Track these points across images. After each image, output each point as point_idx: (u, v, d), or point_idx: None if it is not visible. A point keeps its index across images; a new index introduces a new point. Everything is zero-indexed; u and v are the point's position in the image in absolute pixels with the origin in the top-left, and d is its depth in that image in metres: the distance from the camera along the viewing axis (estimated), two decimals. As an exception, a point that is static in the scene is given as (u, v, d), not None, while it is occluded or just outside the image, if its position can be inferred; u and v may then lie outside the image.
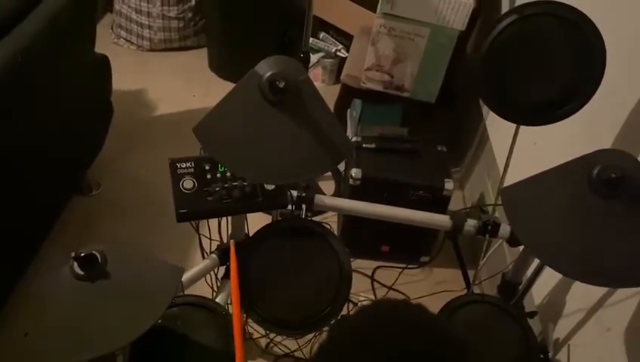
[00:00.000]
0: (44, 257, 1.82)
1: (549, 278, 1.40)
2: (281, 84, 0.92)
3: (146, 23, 2.83)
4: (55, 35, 1.61)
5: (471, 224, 1.26)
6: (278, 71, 0.94)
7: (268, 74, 0.93)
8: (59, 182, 1.94)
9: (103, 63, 2.09)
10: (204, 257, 1.36)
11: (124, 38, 2.93)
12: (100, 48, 2.01)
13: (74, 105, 1.88)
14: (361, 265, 1.98)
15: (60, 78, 1.73)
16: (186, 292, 1.22)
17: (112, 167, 2.26)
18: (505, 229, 1.26)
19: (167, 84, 2.74)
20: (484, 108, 2.18)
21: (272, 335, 1.70)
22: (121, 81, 2.28)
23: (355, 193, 1.81)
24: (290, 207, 1.24)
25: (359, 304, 1.83)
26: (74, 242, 1.73)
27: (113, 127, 2.20)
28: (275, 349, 1.71)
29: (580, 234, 0.91)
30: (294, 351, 1.69)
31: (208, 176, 1.10)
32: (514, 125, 1.28)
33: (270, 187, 1.12)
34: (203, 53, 2.90)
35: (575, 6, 1.07)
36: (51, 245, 1.87)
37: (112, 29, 2.96)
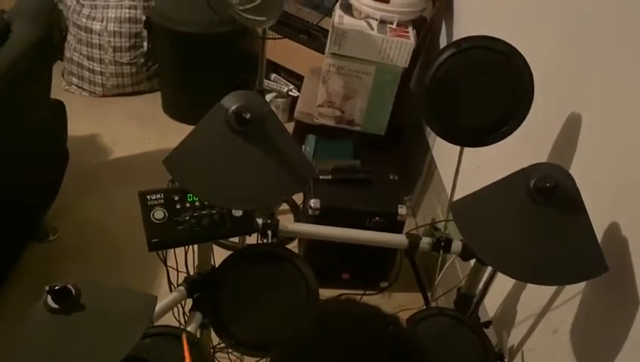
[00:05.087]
0: (3, 306, 1.79)
1: (500, 290, 1.51)
2: (247, 115, 1.00)
3: (98, 69, 2.86)
4: (13, 82, 1.63)
5: (426, 241, 1.35)
6: (243, 103, 1.01)
7: (234, 106, 1.01)
8: (15, 229, 1.92)
9: (59, 109, 2.11)
10: (171, 290, 1.38)
11: (76, 85, 2.95)
12: (51, 96, 2.04)
13: (31, 151, 1.89)
14: (323, 293, 2.02)
15: (16, 125, 1.74)
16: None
17: (69, 212, 2.25)
18: (457, 245, 1.35)
19: (121, 128, 2.76)
20: (431, 139, 2.32)
21: (240, 368, 1.72)
22: (75, 127, 2.29)
23: (315, 223, 1.88)
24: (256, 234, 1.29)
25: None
26: (34, 288, 1.71)
27: (69, 173, 2.21)
28: (244, 381, 1.72)
29: (521, 238, 1.02)
30: (263, 381, 1.71)
31: (178, 206, 1.15)
32: (458, 152, 1.40)
33: (238, 214, 1.18)
34: (156, 97, 2.94)
35: (505, 39, 1.21)
36: (10, 293, 1.84)
37: (62, 76, 2.98)
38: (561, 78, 1.36)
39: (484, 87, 1.25)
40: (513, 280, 1.46)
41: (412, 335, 0.84)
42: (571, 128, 1.27)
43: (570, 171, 1.03)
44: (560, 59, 1.38)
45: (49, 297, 0.95)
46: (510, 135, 1.24)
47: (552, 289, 1.28)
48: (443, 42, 2.27)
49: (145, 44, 2.88)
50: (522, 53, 1.20)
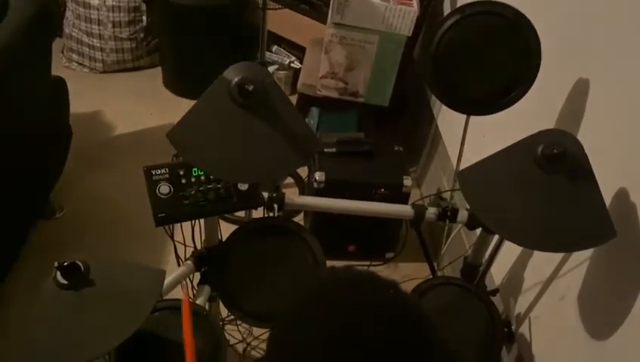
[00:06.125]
0: (14, 284, 1.81)
1: (507, 258, 1.51)
2: (250, 87, 0.98)
3: (98, 45, 2.83)
4: (11, 58, 1.61)
5: (432, 211, 1.34)
6: (246, 75, 1.00)
7: (236, 78, 0.99)
8: (22, 207, 1.92)
9: (60, 86, 2.09)
10: (179, 264, 1.39)
11: (76, 62, 2.92)
12: (52, 73, 2.02)
13: (32, 129, 1.88)
14: (329, 265, 2.04)
15: (16, 102, 1.73)
16: (163, 300, 1.25)
17: (74, 188, 2.25)
18: (463, 214, 1.35)
19: (123, 104, 2.74)
20: (435, 110, 2.30)
21: (248, 340, 1.74)
22: (77, 103, 2.28)
23: (320, 196, 1.88)
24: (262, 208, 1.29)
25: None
26: (43, 265, 1.72)
27: (72, 150, 2.20)
28: (253, 353, 1.75)
29: (529, 206, 1.01)
30: (272, 352, 1.73)
31: (183, 181, 1.15)
32: (463, 121, 1.38)
33: (244, 188, 1.17)
34: (157, 72, 2.92)
35: (512, 4, 1.18)
36: (19, 270, 1.85)
37: (62, 52, 2.95)
38: (569, 43, 1.33)
39: (490, 54, 1.22)
40: (520, 248, 1.46)
41: (412, 299, 0.83)
42: (579, 94, 1.25)
43: (579, 137, 1.02)
44: (567, 24, 1.35)
45: (58, 273, 0.95)
46: (517, 102, 1.22)
47: (559, 256, 1.28)
48: (447, 9, 2.23)
49: (144, 18, 2.84)
50: (529, 18, 1.17)
